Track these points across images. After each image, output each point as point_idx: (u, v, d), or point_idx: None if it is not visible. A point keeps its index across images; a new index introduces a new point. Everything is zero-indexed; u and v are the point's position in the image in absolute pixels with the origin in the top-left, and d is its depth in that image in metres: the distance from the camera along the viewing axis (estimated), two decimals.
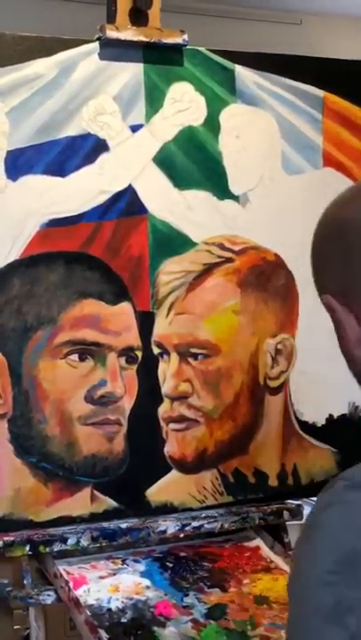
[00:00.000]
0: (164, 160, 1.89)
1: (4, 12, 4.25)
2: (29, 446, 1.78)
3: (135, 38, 1.85)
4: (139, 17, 1.87)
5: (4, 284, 1.77)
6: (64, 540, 1.76)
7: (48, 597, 1.73)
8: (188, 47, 1.91)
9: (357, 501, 0.91)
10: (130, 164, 1.86)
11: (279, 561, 1.85)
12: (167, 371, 1.88)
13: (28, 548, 1.74)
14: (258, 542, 1.91)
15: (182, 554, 1.84)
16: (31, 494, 1.78)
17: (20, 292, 1.77)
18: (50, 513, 1.79)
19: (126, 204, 1.86)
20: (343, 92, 2.04)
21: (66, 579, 1.70)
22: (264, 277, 1.96)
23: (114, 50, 1.85)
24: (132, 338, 1.85)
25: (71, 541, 1.76)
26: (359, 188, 1.22)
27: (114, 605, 1.65)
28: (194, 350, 1.89)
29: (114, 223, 1.85)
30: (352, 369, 1.15)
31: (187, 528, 1.85)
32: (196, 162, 1.92)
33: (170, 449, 1.89)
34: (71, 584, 1.69)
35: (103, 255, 1.84)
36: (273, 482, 1.97)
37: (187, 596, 1.72)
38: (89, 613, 1.62)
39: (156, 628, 1.62)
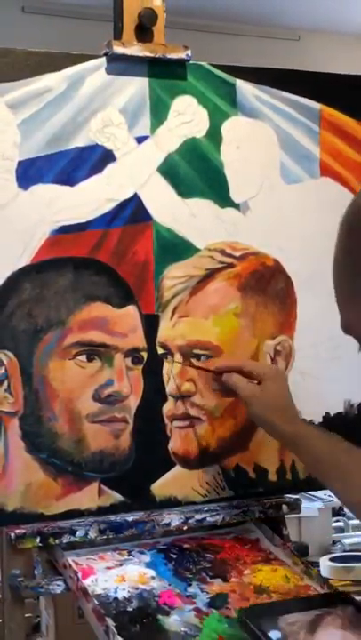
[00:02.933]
0: (168, 170, 1.89)
1: (17, 29, 4.26)
2: (40, 443, 1.78)
3: (141, 54, 1.85)
4: (144, 33, 1.87)
5: (16, 288, 1.77)
6: (73, 533, 1.75)
7: (57, 587, 1.73)
8: (191, 62, 1.91)
9: None
10: (135, 173, 1.86)
11: (278, 552, 1.85)
12: (171, 371, 1.88)
13: (38, 540, 1.73)
14: (258, 535, 1.91)
15: (186, 545, 1.84)
16: (41, 489, 1.78)
17: (30, 295, 1.77)
18: (59, 506, 1.79)
19: (132, 211, 1.86)
20: (339, 104, 2.04)
21: (74, 569, 1.70)
22: (264, 282, 1.96)
23: (120, 65, 1.85)
24: (138, 339, 1.85)
25: (80, 534, 1.76)
26: None
27: (120, 595, 1.65)
28: (197, 351, 1.89)
29: (120, 230, 1.85)
30: None
31: (190, 521, 1.85)
32: (198, 171, 1.92)
33: (174, 446, 1.88)
34: (80, 574, 1.68)
35: (110, 260, 1.84)
36: (272, 477, 1.97)
37: (190, 585, 1.72)
38: (96, 602, 1.62)
39: (160, 617, 1.62)
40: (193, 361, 1.87)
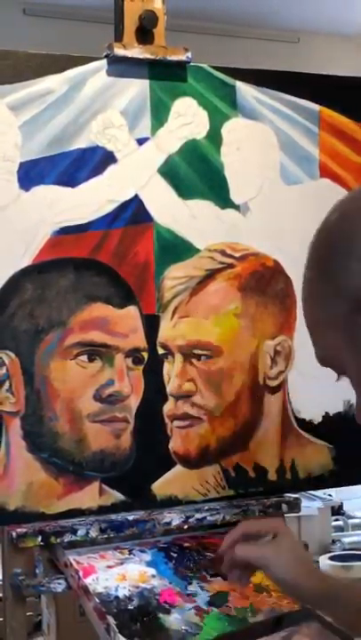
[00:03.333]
0: (168, 171, 1.89)
1: (18, 31, 4.25)
2: (41, 443, 1.78)
3: (141, 56, 1.85)
4: (145, 35, 1.87)
5: (18, 289, 1.77)
6: (74, 532, 1.75)
7: (59, 585, 1.73)
8: (191, 64, 1.91)
9: None
10: (136, 175, 1.86)
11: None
12: (172, 371, 1.88)
13: (39, 539, 1.73)
14: None
15: (186, 544, 1.84)
16: (43, 488, 1.78)
17: (32, 296, 1.78)
18: (60, 506, 1.79)
19: (133, 212, 1.86)
20: (338, 106, 2.04)
21: (76, 568, 1.70)
22: (264, 282, 1.96)
23: (121, 67, 1.85)
24: (139, 340, 1.85)
25: (81, 532, 1.76)
26: None
27: (121, 593, 1.65)
28: (197, 351, 1.89)
29: (121, 231, 1.85)
30: None
31: (190, 520, 1.85)
32: (199, 173, 1.92)
33: (174, 445, 1.89)
34: (81, 573, 1.68)
35: (111, 261, 1.84)
36: (272, 476, 1.97)
37: (190, 584, 1.72)
38: (97, 601, 1.62)
39: (161, 615, 1.62)
40: None
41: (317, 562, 2.82)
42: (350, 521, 3.37)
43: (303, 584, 1.44)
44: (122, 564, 1.75)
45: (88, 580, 1.67)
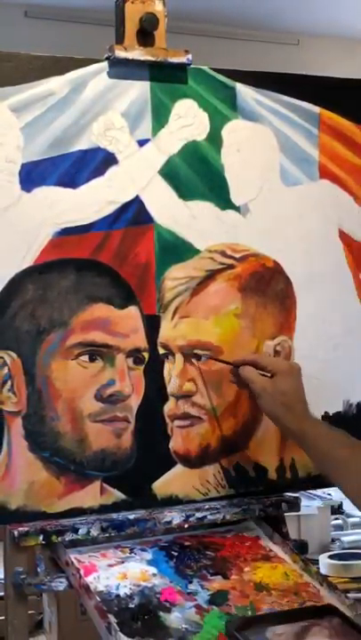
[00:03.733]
0: (169, 172, 1.89)
1: (20, 33, 4.26)
2: (42, 442, 1.78)
3: (142, 58, 1.85)
4: (146, 38, 1.87)
5: (19, 290, 1.77)
6: (75, 531, 1.75)
7: (60, 584, 1.73)
8: (192, 66, 1.91)
9: None
10: (137, 176, 1.86)
11: (278, 550, 1.85)
12: (172, 371, 1.88)
13: (41, 537, 1.73)
14: (258, 532, 1.91)
15: (187, 543, 1.84)
16: (44, 487, 1.78)
17: (33, 296, 1.78)
18: (62, 505, 1.79)
19: (134, 213, 1.86)
20: (338, 108, 2.04)
21: (77, 566, 1.70)
22: (264, 283, 1.96)
23: (122, 69, 1.85)
24: (140, 340, 1.85)
25: (82, 531, 1.76)
26: None
27: (122, 592, 1.65)
28: (197, 351, 1.89)
29: (122, 232, 1.85)
30: None
31: (191, 519, 1.85)
32: (199, 174, 1.92)
33: (175, 445, 1.89)
34: (82, 571, 1.68)
35: (112, 262, 1.84)
36: (272, 475, 1.97)
37: (191, 583, 1.72)
38: (99, 599, 1.62)
39: (161, 613, 1.62)
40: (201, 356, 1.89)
41: (317, 560, 2.82)
42: (350, 520, 3.37)
43: (285, 421, 1.77)
44: (123, 562, 1.75)
45: (89, 579, 1.67)
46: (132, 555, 1.78)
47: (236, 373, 1.85)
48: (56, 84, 1.80)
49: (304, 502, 2.78)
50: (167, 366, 1.88)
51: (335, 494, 3.26)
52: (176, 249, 1.89)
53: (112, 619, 1.57)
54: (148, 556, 1.78)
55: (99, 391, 1.81)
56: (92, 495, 1.82)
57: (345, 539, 3.17)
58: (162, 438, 1.87)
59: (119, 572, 1.71)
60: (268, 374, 1.80)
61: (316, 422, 1.80)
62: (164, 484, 1.88)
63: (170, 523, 1.83)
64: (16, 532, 1.73)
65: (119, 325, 1.83)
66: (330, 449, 1.71)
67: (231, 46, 4.57)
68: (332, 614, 1.63)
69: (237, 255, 1.94)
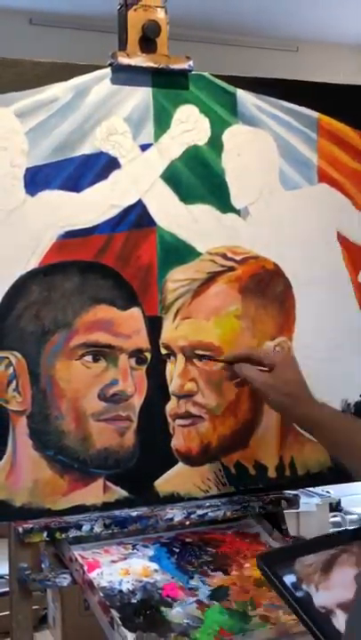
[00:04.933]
0: (171, 176, 1.89)
1: (25, 40, 4.26)
2: (47, 441, 1.78)
3: (144, 64, 1.85)
4: (148, 44, 1.87)
5: (24, 291, 1.77)
6: (79, 527, 1.75)
7: (64, 580, 1.73)
8: (193, 72, 1.91)
9: None
10: (139, 180, 1.86)
11: (277, 546, 1.85)
12: (174, 371, 1.88)
13: (45, 534, 1.73)
14: (258, 529, 1.91)
15: (188, 540, 1.84)
16: (48, 485, 1.78)
17: (38, 298, 1.78)
18: (66, 502, 1.79)
19: (136, 217, 1.86)
20: (336, 113, 2.04)
21: (80, 563, 1.70)
22: (263, 285, 1.96)
23: (125, 75, 1.85)
24: (142, 340, 1.85)
25: (85, 528, 1.76)
26: None
27: (125, 587, 1.65)
28: (199, 352, 1.89)
29: (125, 235, 1.85)
30: None
31: (192, 516, 1.85)
32: (200, 178, 1.92)
33: (176, 443, 1.89)
34: (85, 567, 1.69)
35: (115, 264, 1.84)
36: (272, 473, 1.97)
37: (192, 578, 1.72)
38: (102, 595, 1.62)
39: (163, 609, 1.62)
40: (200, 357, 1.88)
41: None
42: (348, 517, 3.37)
43: (294, 409, 1.74)
44: (125, 558, 1.75)
45: (92, 575, 1.67)
46: (135, 551, 1.78)
47: (233, 372, 1.83)
48: (60, 90, 1.80)
49: (303, 500, 2.77)
50: (169, 366, 1.88)
51: (334, 492, 3.26)
52: (178, 251, 1.89)
53: (115, 614, 1.57)
54: (150, 552, 1.78)
55: (102, 391, 1.81)
56: (95, 493, 1.82)
57: None
58: (164, 437, 1.87)
59: (122, 568, 1.71)
60: (266, 368, 1.79)
61: (323, 406, 1.77)
62: (166, 482, 1.88)
63: (171, 520, 1.83)
64: (21, 529, 1.73)
65: (122, 326, 1.83)
66: (341, 432, 1.69)
67: (231, 53, 4.57)
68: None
69: (238, 257, 1.94)
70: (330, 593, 1.43)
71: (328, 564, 1.51)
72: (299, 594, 1.42)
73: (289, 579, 1.46)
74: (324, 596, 1.42)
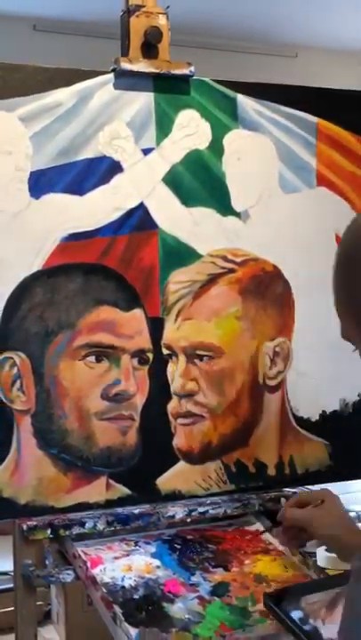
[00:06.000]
0: (172, 180, 1.89)
1: (29, 46, 4.26)
2: (51, 439, 1.78)
3: (147, 70, 1.85)
4: (150, 50, 1.87)
5: (28, 293, 1.77)
6: (82, 524, 1.75)
7: (67, 576, 1.73)
8: (194, 78, 1.91)
9: None
10: (142, 183, 1.87)
11: (277, 543, 1.85)
12: (175, 371, 1.88)
13: (49, 531, 1.74)
14: (258, 526, 1.91)
15: (189, 537, 1.84)
16: (52, 483, 1.78)
17: (42, 299, 1.78)
18: (69, 500, 1.79)
19: (138, 220, 1.86)
20: (335, 118, 2.04)
21: (84, 559, 1.70)
22: (263, 286, 1.96)
23: (127, 80, 1.85)
24: (144, 341, 1.85)
25: (88, 525, 1.76)
26: None
27: (127, 583, 1.65)
28: (200, 352, 1.89)
29: (127, 237, 1.85)
30: None
31: (193, 513, 1.85)
32: (201, 182, 1.92)
33: (178, 442, 1.89)
34: (89, 564, 1.69)
35: (117, 266, 1.84)
36: (271, 471, 1.97)
37: (193, 575, 1.72)
38: (105, 590, 1.62)
39: (165, 604, 1.62)
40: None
41: (315, 553, 2.82)
42: None
43: (344, 540, 1.61)
44: (128, 555, 1.75)
45: (95, 571, 1.67)
46: (137, 548, 1.78)
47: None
48: (63, 95, 1.81)
49: None
50: (171, 366, 1.88)
51: (332, 490, 3.25)
52: (179, 254, 1.90)
53: (117, 609, 1.57)
54: (152, 548, 1.78)
55: (105, 390, 1.81)
56: (98, 490, 1.82)
57: None
58: (165, 436, 1.88)
59: (124, 565, 1.71)
60: (318, 502, 1.71)
61: None
62: (168, 480, 1.88)
63: (173, 517, 1.83)
64: (25, 526, 1.73)
65: (124, 327, 1.83)
66: None
67: (232, 58, 4.56)
68: None
69: (238, 260, 1.94)
70: (337, 626, 1.44)
71: (333, 601, 1.54)
72: (306, 627, 1.44)
73: (296, 614, 1.48)
74: (331, 629, 1.43)
